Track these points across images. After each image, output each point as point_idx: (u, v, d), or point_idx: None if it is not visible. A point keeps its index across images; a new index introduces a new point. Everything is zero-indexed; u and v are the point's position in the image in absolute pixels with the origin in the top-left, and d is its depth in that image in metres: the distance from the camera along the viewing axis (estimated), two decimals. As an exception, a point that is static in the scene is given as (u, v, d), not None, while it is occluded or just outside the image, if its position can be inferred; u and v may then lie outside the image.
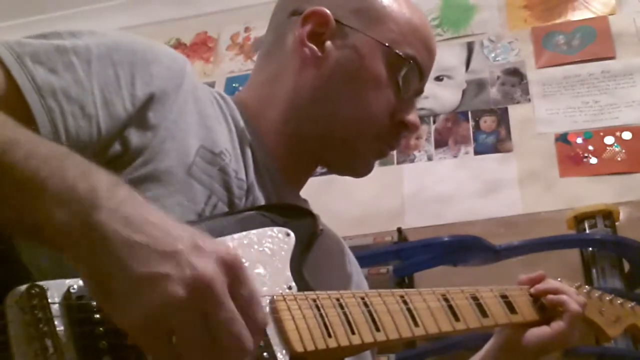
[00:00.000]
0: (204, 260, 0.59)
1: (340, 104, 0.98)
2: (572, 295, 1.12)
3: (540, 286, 1.13)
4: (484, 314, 1.02)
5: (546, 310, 1.12)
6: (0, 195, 0.61)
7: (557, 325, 1.09)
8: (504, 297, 1.07)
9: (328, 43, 0.99)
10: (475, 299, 1.02)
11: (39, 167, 0.61)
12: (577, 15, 2.63)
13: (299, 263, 0.87)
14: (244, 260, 0.63)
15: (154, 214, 0.61)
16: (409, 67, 0.99)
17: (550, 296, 1.10)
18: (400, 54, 0.99)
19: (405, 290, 0.94)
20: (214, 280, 0.58)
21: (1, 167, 0.61)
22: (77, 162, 0.63)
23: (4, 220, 0.62)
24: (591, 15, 2.60)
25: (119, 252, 0.58)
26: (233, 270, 0.61)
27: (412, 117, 1.02)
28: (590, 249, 1.99)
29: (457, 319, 0.97)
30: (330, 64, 0.99)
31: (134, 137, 0.82)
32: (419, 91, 1.05)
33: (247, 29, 3.04)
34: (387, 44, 0.98)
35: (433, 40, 1.05)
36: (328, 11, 0.99)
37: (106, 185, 0.61)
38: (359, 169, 1.05)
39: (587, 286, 1.25)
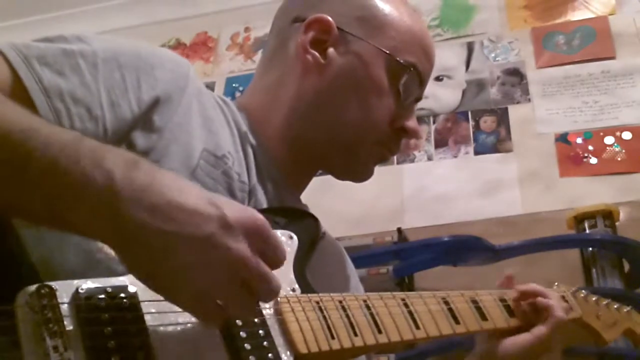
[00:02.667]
0: (235, 238, 0.63)
1: (343, 110, 0.99)
2: (556, 300, 1.10)
3: (524, 289, 1.10)
4: (483, 317, 1.03)
5: (526, 315, 1.09)
6: (25, 185, 0.62)
7: (539, 330, 1.06)
8: (502, 300, 1.08)
9: (331, 50, 1.00)
10: (475, 302, 1.03)
11: (57, 157, 0.61)
12: (577, 15, 2.63)
13: (301, 266, 0.88)
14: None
15: (176, 192, 0.63)
16: (410, 74, 1.01)
17: (540, 299, 1.08)
18: (402, 61, 1.00)
19: (407, 293, 0.95)
20: (247, 255, 0.64)
21: (23, 157, 0.61)
22: (91, 147, 0.64)
23: (33, 210, 0.63)
24: (591, 15, 2.60)
25: (153, 245, 0.60)
26: (260, 236, 0.66)
27: (412, 123, 1.03)
28: (590, 249, 1.99)
29: (457, 322, 0.98)
30: (333, 71, 1.00)
31: (140, 139, 0.83)
32: (419, 98, 1.06)
33: (247, 29, 3.04)
34: (388, 52, 1.00)
35: (433, 48, 1.07)
36: (331, 19, 1.00)
37: (122, 169, 0.62)
38: (360, 174, 1.06)
39: (583, 290, 1.25)
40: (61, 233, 0.65)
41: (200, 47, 3.07)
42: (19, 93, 0.75)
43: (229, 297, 0.64)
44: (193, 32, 3.12)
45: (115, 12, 3.14)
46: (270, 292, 0.67)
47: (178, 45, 3.11)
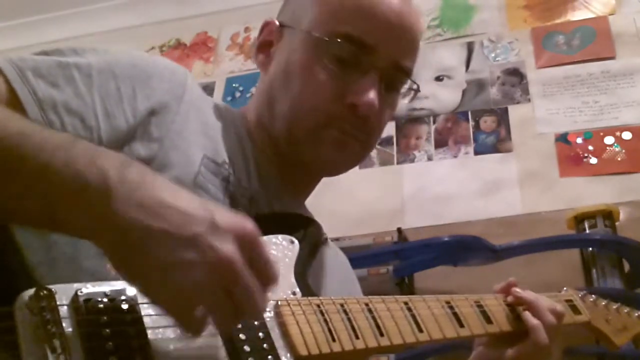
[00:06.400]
0: (223, 240, 0.62)
1: (281, 102, 0.98)
2: (546, 306, 1.07)
3: (519, 296, 1.08)
4: (488, 320, 1.02)
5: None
6: (20, 188, 0.62)
7: (519, 347, 1.04)
8: (508, 304, 1.07)
9: (273, 47, 1.02)
10: (479, 306, 1.03)
11: (50, 159, 0.62)
12: (577, 15, 2.63)
13: (303, 270, 0.88)
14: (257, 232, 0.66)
15: (168, 193, 0.63)
16: (335, 45, 0.94)
17: (526, 316, 1.05)
18: (320, 36, 0.95)
19: (409, 296, 0.95)
20: (233, 260, 0.62)
21: (17, 160, 0.62)
22: (84, 148, 0.64)
23: (28, 213, 0.63)
24: (591, 15, 2.61)
25: (141, 241, 0.60)
26: (249, 243, 0.64)
27: (362, 96, 0.94)
28: (590, 249, 2.00)
29: (461, 325, 0.97)
30: (273, 66, 1.01)
31: (141, 149, 0.83)
32: (380, 66, 0.96)
33: (247, 29, 3.04)
34: (311, 32, 0.96)
35: (381, 6, 0.96)
36: (276, 19, 1.03)
37: (116, 169, 0.62)
38: (321, 165, 0.99)
39: (592, 295, 1.24)
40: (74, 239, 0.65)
41: (200, 47, 3.07)
42: (14, 105, 0.76)
43: (210, 303, 0.62)
44: (193, 32, 3.12)
45: (115, 12, 3.14)
46: (254, 306, 0.64)
47: (178, 45, 3.11)
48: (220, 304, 0.63)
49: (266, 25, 1.04)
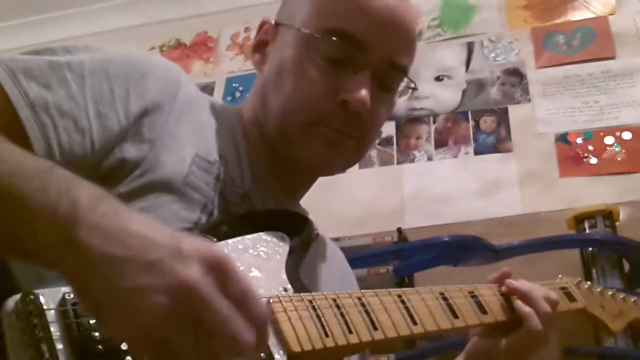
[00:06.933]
0: (185, 265, 0.57)
1: (274, 100, 0.97)
2: (540, 295, 1.06)
3: (513, 286, 1.07)
4: (483, 311, 1.02)
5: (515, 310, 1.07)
6: None
7: (513, 336, 1.04)
8: (502, 294, 1.07)
9: (269, 47, 1.02)
10: (473, 296, 1.02)
11: (24, 186, 0.60)
12: (577, 15, 2.63)
13: (295, 266, 0.88)
14: (236, 262, 0.62)
15: (136, 223, 0.60)
16: (329, 43, 0.93)
17: (519, 304, 1.05)
18: (309, 32, 0.94)
19: (403, 289, 0.94)
20: (196, 284, 0.57)
21: None
22: (60, 176, 0.62)
23: None
24: (591, 15, 2.60)
25: (101, 268, 0.57)
26: (219, 268, 0.59)
27: (354, 93, 0.92)
28: (590, 249, 1.99)
29: (455, 316, 0.97)
30: (267, 65, 1.00)
31: (131, 150, 0.82)
32: (373, 63, 0.95)
33: (247, 29, 3.04)
34: (302, 29, 0.95)
35: (373, 3, 0.94)
36: (271, 18, 1.03)
37: (88, 199, 0.60)
38: (314, 162, 0.97)
39: (588, 282, 1.24)
40: None
41: (200, 47, 3.07)
42: (5, 107, 0.75)
43: (175, 336, 0.56)
44: (193, 32, 3.12)
45: (115, 12, 3.14)
46: (233, 340, 0.57)
47: (178, 45, 3.11)
48: (188, 336, 0.57)
49: (262, 24, 1.04)
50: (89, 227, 0.58)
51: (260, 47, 1.03)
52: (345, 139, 0.96)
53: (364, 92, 0.92)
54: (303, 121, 0.94)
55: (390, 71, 0.98)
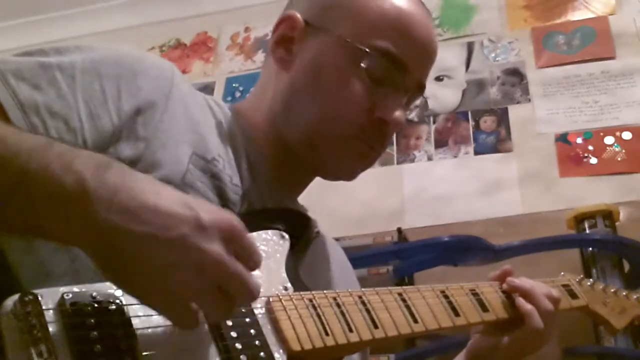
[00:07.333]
0: (209, 240, 0.62)
1: (306, 106, 0.96)
2: (541, 293, 1.06)
3: (514, 285, 1.07)
4: (484, 308, 1.01)
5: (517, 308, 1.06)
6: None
7: (514, 334, 1.04)
8: (504, 291, 1.07)
9: (296, 45, 0.99)
10: (475, 294, 1.02)
11: (26, 163, 0.61)
12: (577, 15, 2.63)
13: (294, 265, 0.87)
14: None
15: (149, 193, 0.62)
16: (373, 59, 0.94)
17: (520, 302, 1.04)
18: (360, 47, 0.94)
19: (404, 287, 0.94)
20: (221, 257, 0.62)
21: None
22: (60, 151, 0.63)
23: (9, 220, 0.63)
24: (591, 15, 2.60)
25: (125, 248, 0.60)
26: (234, 237, 0.64)
27: (392, 113, 0.95)
28: (590, 249, 1.99)
29: (457, 314, 0.96)
30: (297, 66, 0.98)
31: (126, 149, 0.82)
32: (408, 86, 0.98)
33: (247, 29, 3.04)
34: (348, 39, 0.95)
35: (418, 30, 0.98)
36: (298, 14, 0.99)
37: (93, 172, 0.61)
38: (340, 173, 1.01)
39: (590, 279, 1.24)
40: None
41: (200, 47, 3.07)
42: None
43: (202, 300, 0.63)
44: (193, 32, 3.12)
45: (115, 12, 3.14)
46: (248, 292, 0.65)
47: (178, 45, 3.11)
48: (212, 299, 0.63)
49: (287, 19, 1.00)
50: (104, 205, 0.60)
51: (284, 42, 1.00)
52: (374, 154, 1.00)
53: (399, 114, 0.96)
54: (339, 132, 0.96)
55: (417, 93, 1.02)
